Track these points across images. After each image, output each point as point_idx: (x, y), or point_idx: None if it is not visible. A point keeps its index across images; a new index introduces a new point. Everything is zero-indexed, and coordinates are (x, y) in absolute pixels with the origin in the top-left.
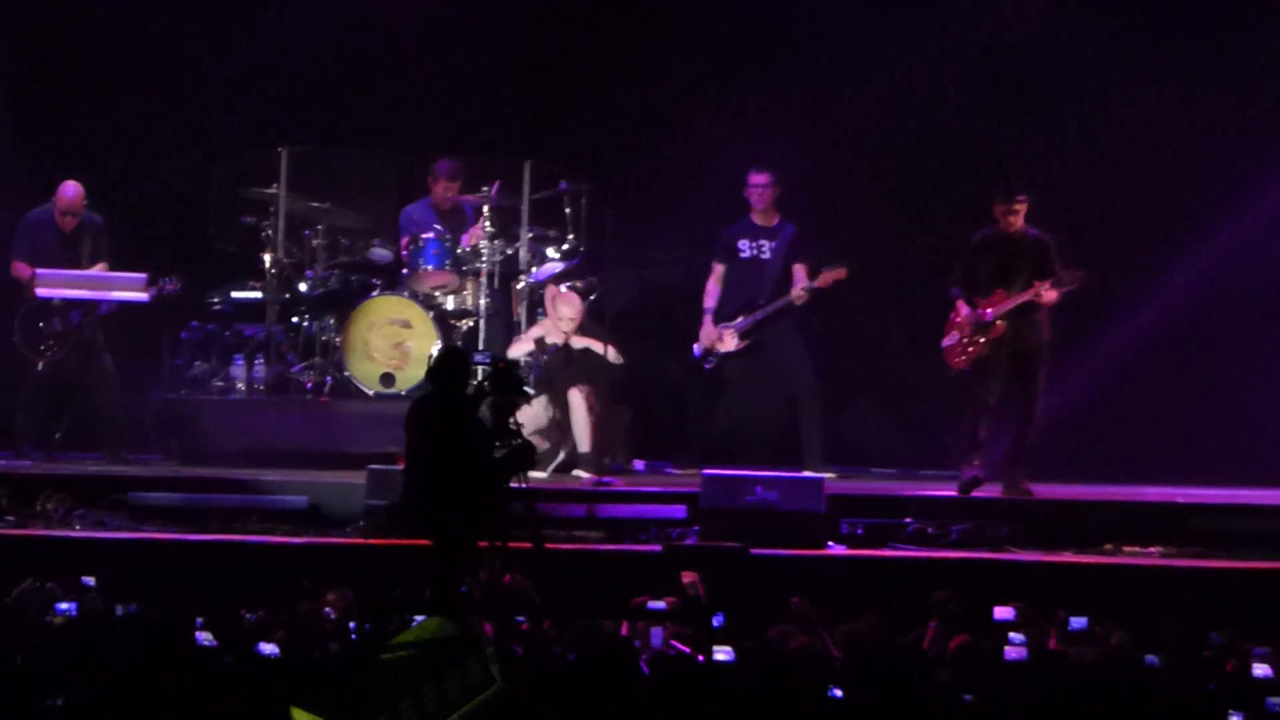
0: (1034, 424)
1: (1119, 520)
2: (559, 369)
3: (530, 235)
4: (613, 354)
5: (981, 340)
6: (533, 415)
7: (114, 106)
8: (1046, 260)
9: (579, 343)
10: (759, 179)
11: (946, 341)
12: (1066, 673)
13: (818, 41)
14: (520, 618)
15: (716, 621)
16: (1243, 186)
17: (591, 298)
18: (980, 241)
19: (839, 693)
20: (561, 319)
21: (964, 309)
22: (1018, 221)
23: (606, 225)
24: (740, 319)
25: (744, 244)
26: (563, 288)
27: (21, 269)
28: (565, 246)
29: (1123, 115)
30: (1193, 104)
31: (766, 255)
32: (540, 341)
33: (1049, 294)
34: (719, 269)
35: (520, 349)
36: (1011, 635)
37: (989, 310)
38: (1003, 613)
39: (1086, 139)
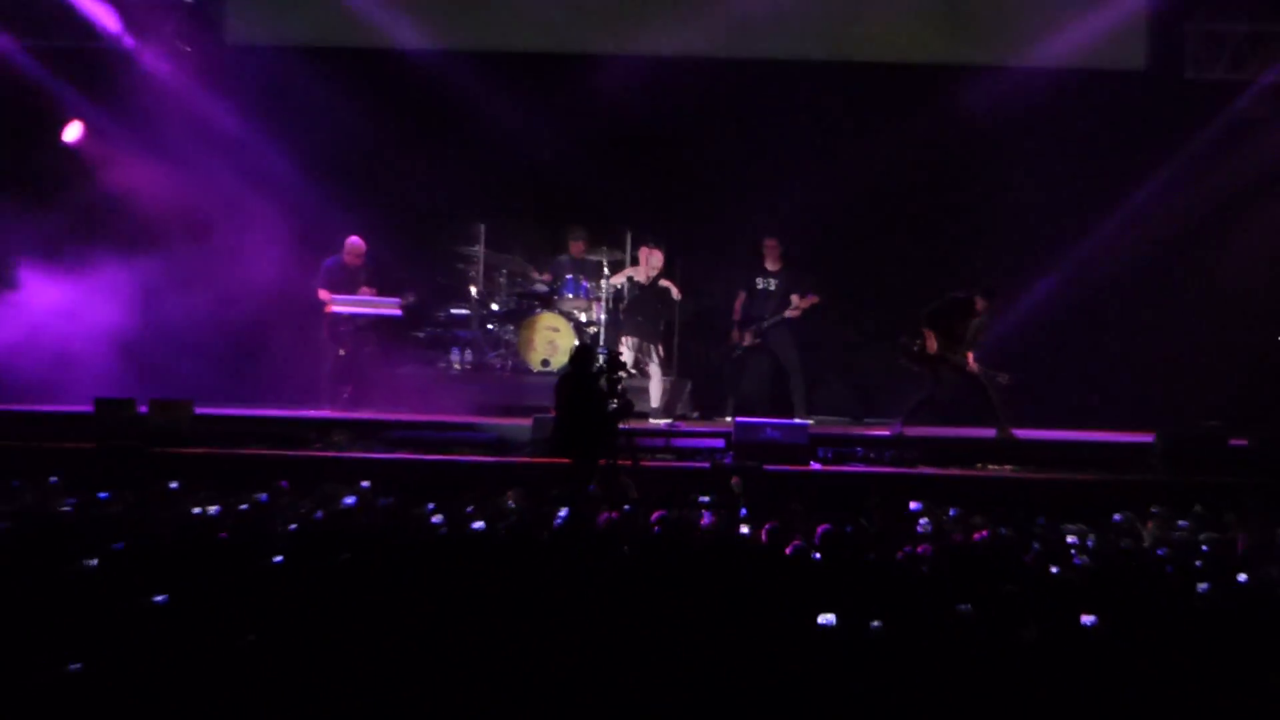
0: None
1: (987, 449)
2: (648, 296)
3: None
4: (675, 292)
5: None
6: (627, 352)
7: (380, 191)
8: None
9: (661, 283)
10: (770, 241)
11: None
12: (950, 541)
13: (808, 145)
14: (626, 506)
15: (742, 512)
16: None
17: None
18: (962, 308)
19: (819, 555)
20: (651, 267)
21: (933, 342)
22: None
23: (676, 268)
24: (755, 326)
25: (759, 280)
26: (650, 246)
27: (324, 294)
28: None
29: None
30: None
31: (773, 288)
32: (630, 279)
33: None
34: (743, 296)
35: (619, 279)
36: (921, 520)
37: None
38: (915, 505)
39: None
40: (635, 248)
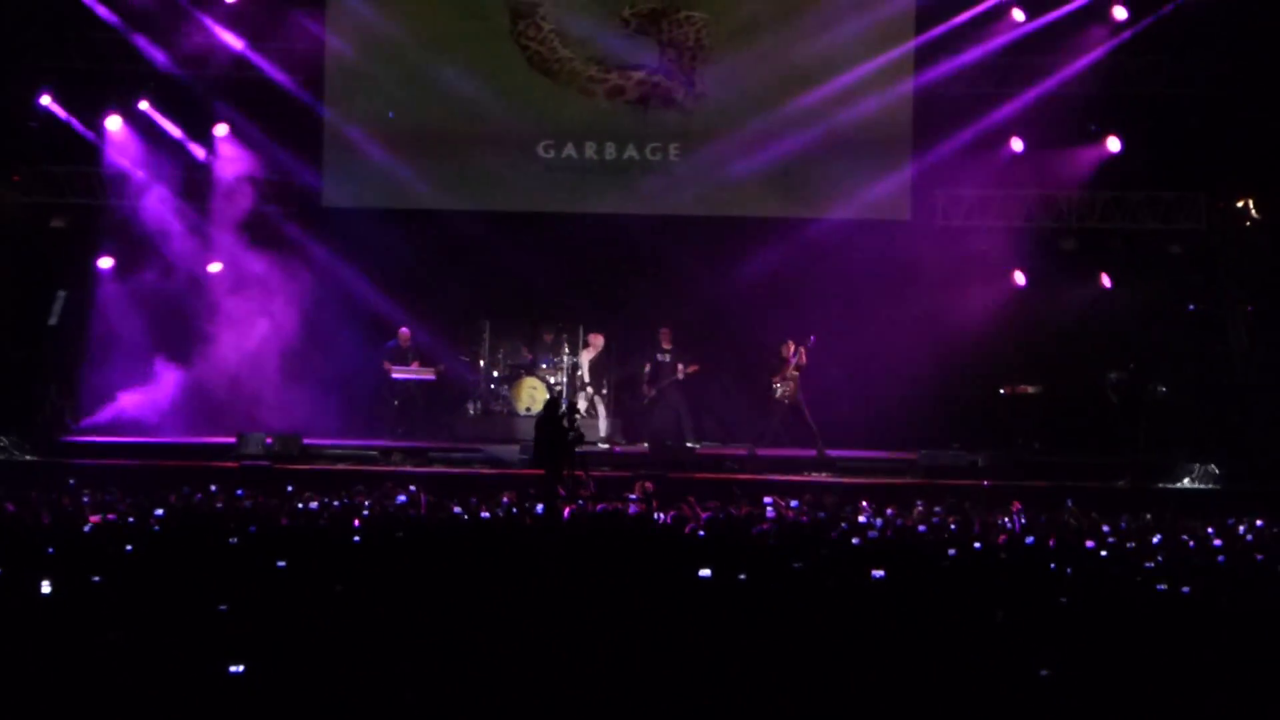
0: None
1: (810, 463)
2: (596, 366)
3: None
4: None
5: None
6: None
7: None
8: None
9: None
10: (664, 330)
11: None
12: (787, 522)
13: (692, 270)
14: (580, 501)
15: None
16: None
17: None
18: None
19: (702, 534)
20: (595, 347)
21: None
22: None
23: (612, 349)
24: (656, 384)
25: (659, 355)
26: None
27: (386, 365)
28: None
29: None
30: None
31: (667, 360)
32: (587, 358)
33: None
34: (649, 365)
35: (583, 356)
36: (765, 499)
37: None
38: (768, 499)
39: None
40: (585, 335)
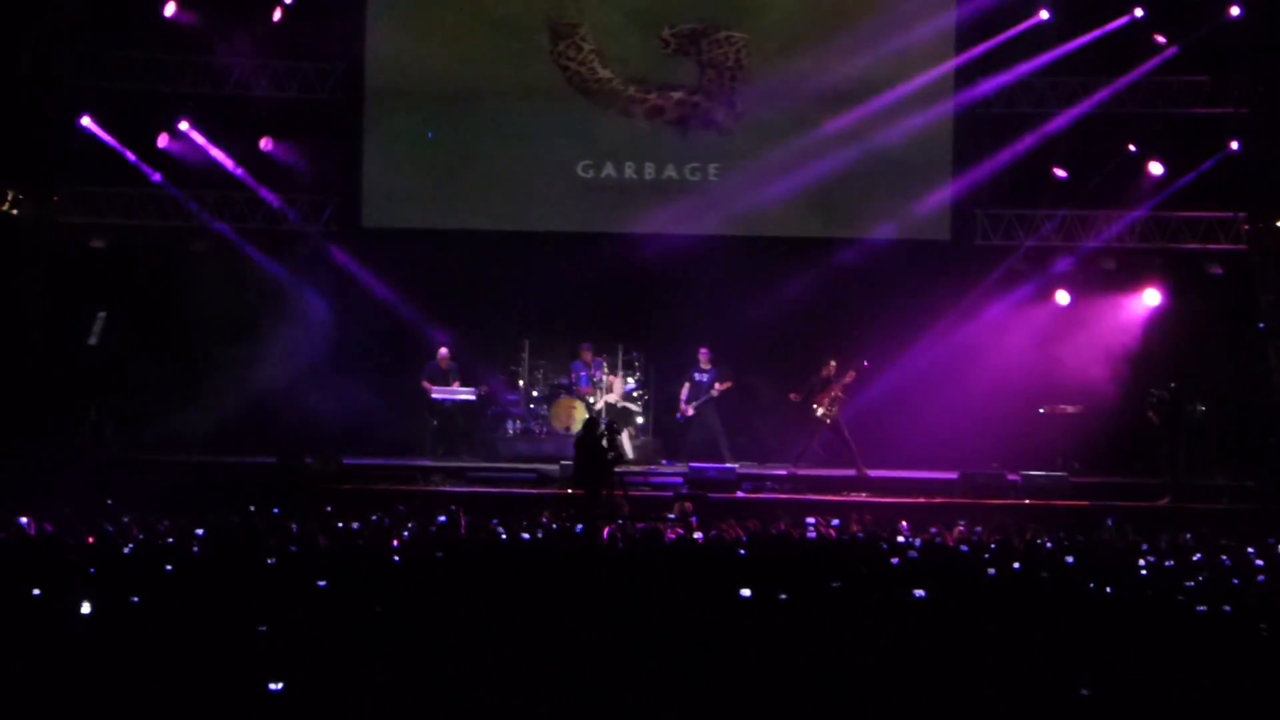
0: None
1: (849, 482)
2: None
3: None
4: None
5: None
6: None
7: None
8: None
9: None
10: (702, 350)
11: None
12: (828, 541)
13: (729, 290)
14: (618, 520)
15: (694, 521)
16: None
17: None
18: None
19: (744, 552)
20: (611, 384)
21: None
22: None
23: (650, 371)
24: (694, 403)
25: (696, 374)
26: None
27: (426, 385)
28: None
29: None
30: None
31: (704, 380)
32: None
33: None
34: (686, 384)
35: (612, 384)
36: (808, 519)
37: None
38: (810, 520)
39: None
40: (625, 355)
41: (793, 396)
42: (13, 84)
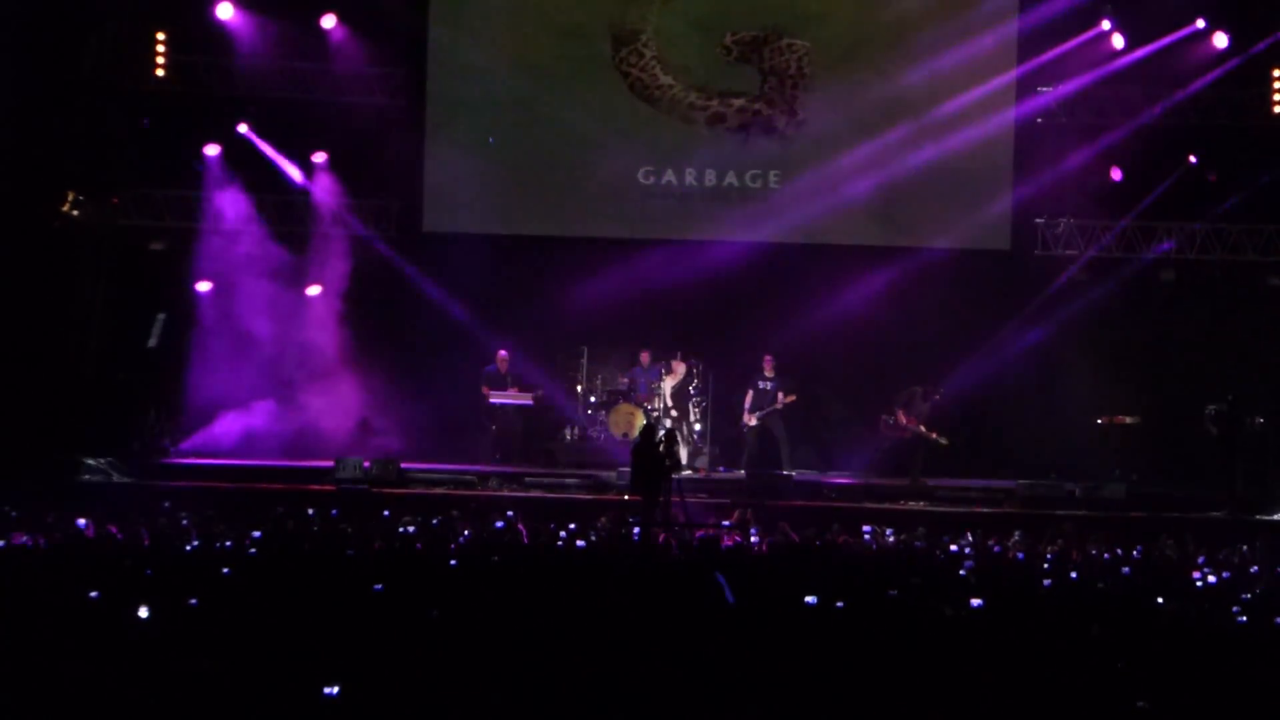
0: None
1: (906, 491)
2: (679, 394)
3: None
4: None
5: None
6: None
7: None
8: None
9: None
10: (767, 357)
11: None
12: (886, 549)
13: (793, 295)
14: (675, 527)
15: (753, 531)
16: None
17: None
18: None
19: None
20: (676, 375)
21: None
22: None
23: (709, 379)
24: (757, 412)
25: (760, 383)
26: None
27: (485, 390)
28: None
29: None
30: None
31: (769, 388)
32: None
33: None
34: (750, 393)
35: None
36: (864, 527)
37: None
38: (866, 528)
39: None
40: (684, 361)
41: (888, 422)
42: (74, 86)
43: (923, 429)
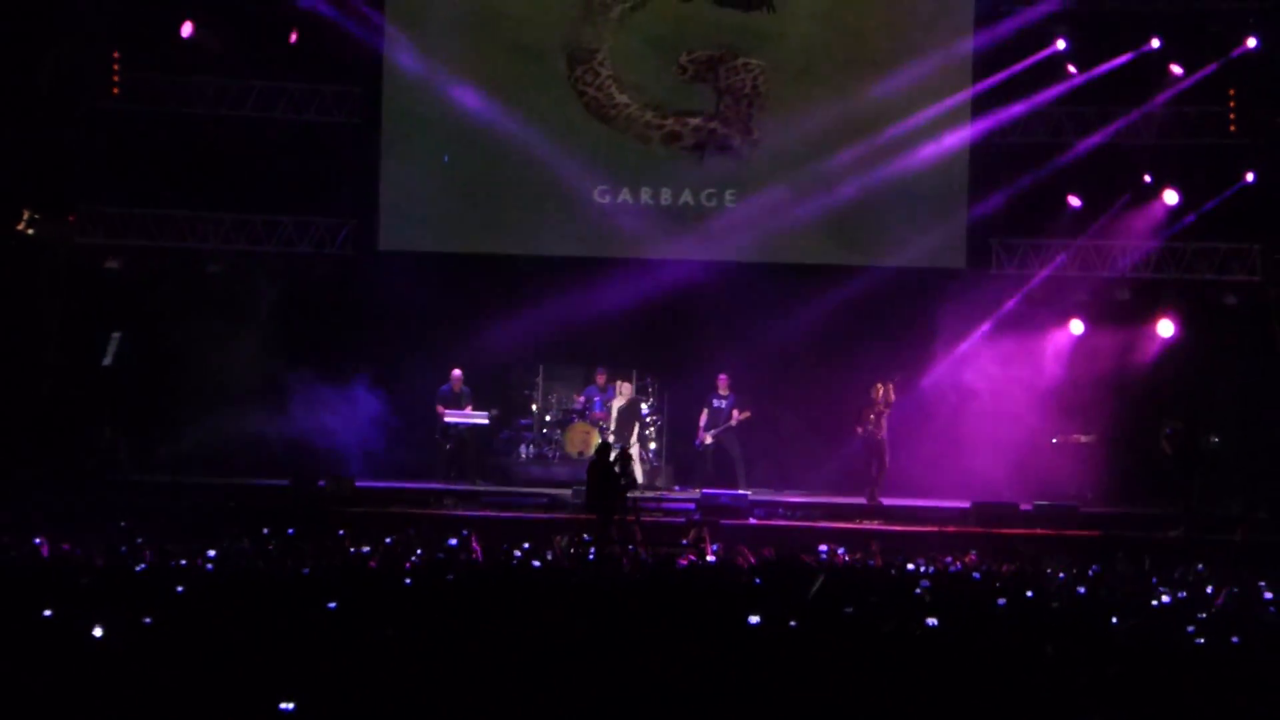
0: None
1: (862, 510)
2: (626, 412)
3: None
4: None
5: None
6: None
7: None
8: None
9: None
10: (721, 376)
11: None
12: (839, 568)
13: (746, 314)
14: (630, 546)
15: (713, 548)
16: None
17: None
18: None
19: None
20: (622, 395)
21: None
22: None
23: (665, 398)
24: (712, 431)
25: (715, 401)
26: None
27: (439, 409)
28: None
29: None
30: None
31: (723, 406)
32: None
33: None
34: (705, 411)
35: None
36: (821, 548)
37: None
38: (822, 547)
39: None
40: (639, 380)
41: (859, 431)
42: (31, 104)
43: (882, 428)
